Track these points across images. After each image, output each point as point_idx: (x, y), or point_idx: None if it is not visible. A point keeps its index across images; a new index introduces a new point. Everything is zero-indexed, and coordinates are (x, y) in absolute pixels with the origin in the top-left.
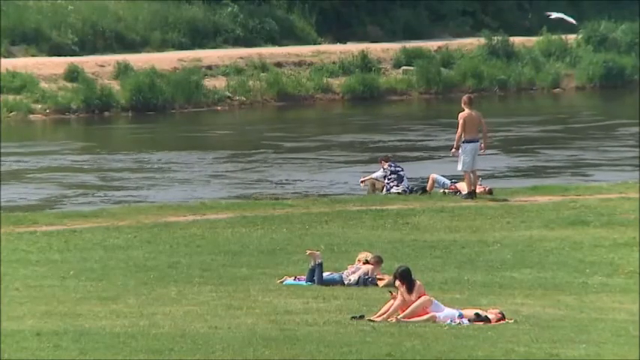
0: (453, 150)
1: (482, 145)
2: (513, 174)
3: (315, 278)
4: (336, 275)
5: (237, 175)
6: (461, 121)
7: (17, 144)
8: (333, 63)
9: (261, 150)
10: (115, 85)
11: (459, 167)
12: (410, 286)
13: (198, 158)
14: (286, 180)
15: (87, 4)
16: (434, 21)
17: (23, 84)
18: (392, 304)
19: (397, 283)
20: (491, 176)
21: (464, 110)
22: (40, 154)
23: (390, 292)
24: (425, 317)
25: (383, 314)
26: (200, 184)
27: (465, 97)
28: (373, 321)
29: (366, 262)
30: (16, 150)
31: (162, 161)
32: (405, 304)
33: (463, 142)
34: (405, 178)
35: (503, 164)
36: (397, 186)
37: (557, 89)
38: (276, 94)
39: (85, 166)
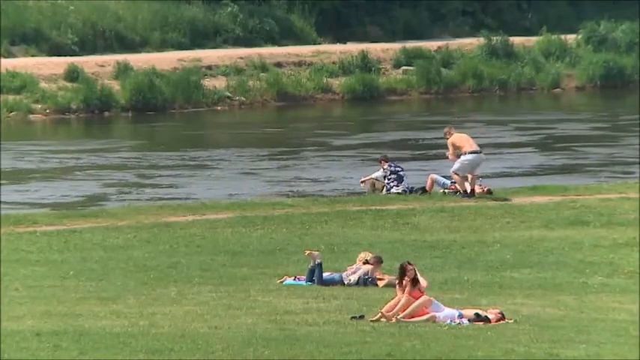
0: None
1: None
2: (543, 172)
3: (314, 278)
4: (336, 275)
5: (275, 173)
6: (451, 148)
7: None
8: (333, 63)
9: (292, 147)
10: (115, 85)
11: (454, 168)
12: (414, 281)
13: (235, 155)
14: (324, 178)
15: (87, 4)
16: (434, 21)
17: (23, 84)
18: (396, 303)
19: (410, 267)
20: (531, 174)
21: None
22: (78, 152)
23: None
24: (425, 317)
25: (389, 311)
26: (238, 181)
27: (445, 129)
28: (377, 321)
29: (366, 262)
30: (50, 148)
31: (203, 158)
32: (408, 302)
33: (467, 154)
34: (405, 178)
35: (535, 162)
36: (397, 186)
37: (557, 89)
38: (275, 94)
39: (127, 164)
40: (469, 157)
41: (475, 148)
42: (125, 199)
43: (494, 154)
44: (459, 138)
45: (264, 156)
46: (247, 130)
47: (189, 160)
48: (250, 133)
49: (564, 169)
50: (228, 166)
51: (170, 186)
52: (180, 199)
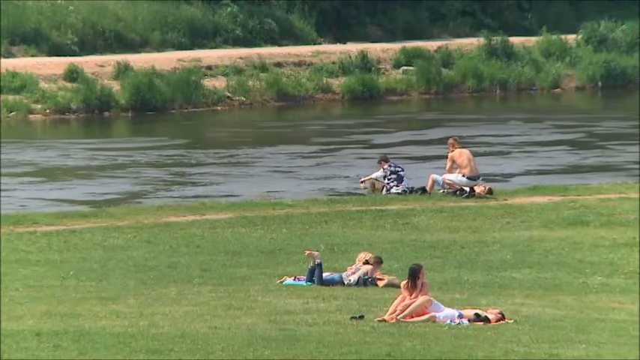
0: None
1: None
2: (574, 170)
3: (314, 278)
4: (335, 275)
5: (313, 171)
6: (449, 163)
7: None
8: (333, 63)
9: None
10: (115, 85)
11: (448, 177)
12: (414, 283)
13: (270, 153)
14: (357, 175)
15: (87, 4)
16: (434, 21)
17: (23, 84)
18: (399, 303)
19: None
20: (561, 172)
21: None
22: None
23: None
24: (425, 317)
25: (393, 312)
26: (276, 179)
27: (450, 141)
28: (385, 321)
29: (366, 262)
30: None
31: (240, 156)
32: (410, 302)
33: (465, 176)
34: (404, 178)
35: (566, 161)
36: (397, 186)
37: (557, 89)
38: (275, 94)
39: (165, 162)
40: (464, 180)
41: (474, 173)
42: (163, 197)
43: (528, 152)
44: (461, 155)
45: (301, 153)
46: (274, 129)
47: (227, 158)
48: (278, 131)
49: (595, 168)
50: (267, 164)
51: (206, 184)
52: (217, 196)
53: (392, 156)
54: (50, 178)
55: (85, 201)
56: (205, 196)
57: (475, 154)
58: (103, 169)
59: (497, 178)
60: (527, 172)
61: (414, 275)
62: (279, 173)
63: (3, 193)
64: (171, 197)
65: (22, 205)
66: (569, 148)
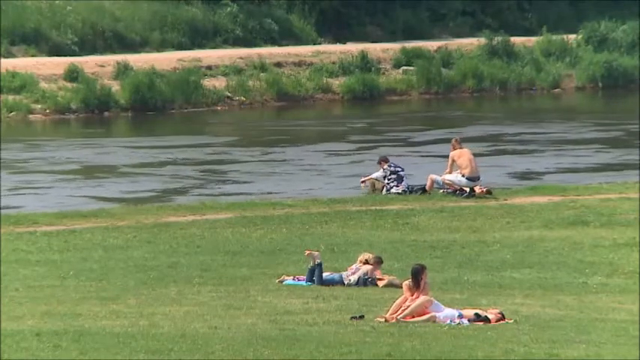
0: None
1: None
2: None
3: (314, 278)
4: (335, 275)
5: (348, 169)
6: (450, 161)
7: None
8: (333, 63)
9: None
10: (115, 85)
11: (448, 177)
12: (416, 283)
13: (303, 152)
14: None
15: (86, 4)
16: (434, 21)
17: (23, 84)
18: (402, 303)
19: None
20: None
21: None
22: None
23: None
24: (425, 317)
25: (395, 312)
26: (310, 178)
27: (453, 141)
28: (386, 320)
29: (366, 262)
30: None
31: (274, 154)
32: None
33: (465, 177)
34: (404, 178)
35: (594, 160)
36: (397, 186)
37: (557, 89)
38: (275, 94)
39: (197, 159)
40: (464, 181)
41: (474, 174)
42: (199, 194)
43: (561, 149)
44: (462, 156)
45: (335, 151)
46: (299, 127)
47: (262, 156)
48: (302, 129)
49: (628, 166)
50: (300, 163)
51: (236, 182)
52: (251, 194)
53: (428, 154)
54: (84, 175)
55: (120, 198)
56: (233, 194)
57: (506, 152)
58: (139, 166)
59: (532, 175)
60: (559, 170)
61: (417, 275)
62: (311, 172)
63: (39, 191)
64: (209, 195)
65: (59, 202)
66: (603, 146)
